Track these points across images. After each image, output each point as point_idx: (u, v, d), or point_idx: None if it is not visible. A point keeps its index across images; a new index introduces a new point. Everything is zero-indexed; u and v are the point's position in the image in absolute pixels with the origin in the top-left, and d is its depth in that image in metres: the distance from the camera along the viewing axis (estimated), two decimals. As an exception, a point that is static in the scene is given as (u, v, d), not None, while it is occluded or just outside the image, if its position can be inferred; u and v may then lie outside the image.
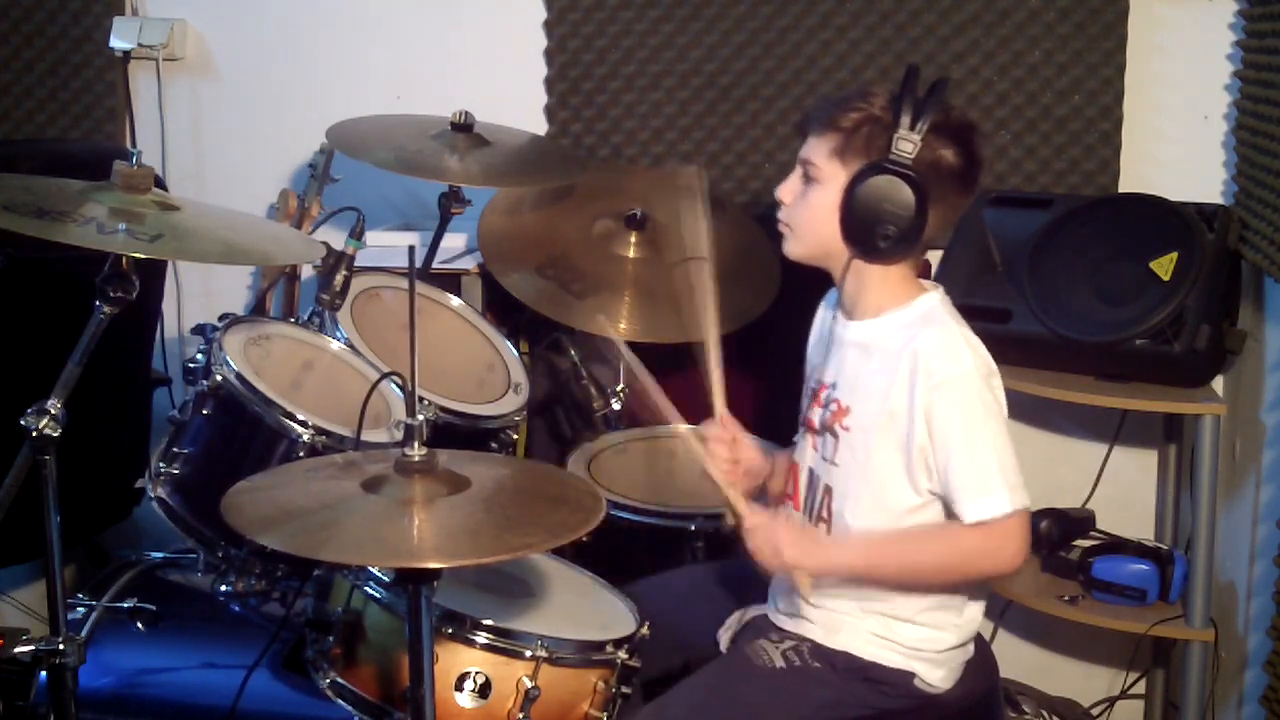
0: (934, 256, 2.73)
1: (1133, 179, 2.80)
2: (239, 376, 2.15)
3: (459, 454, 1.70)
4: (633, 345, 2.72)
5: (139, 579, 2.30)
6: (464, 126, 2.57)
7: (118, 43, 3.15)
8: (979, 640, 1.96)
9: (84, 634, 2.16)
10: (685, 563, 2.31)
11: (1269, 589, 2.30)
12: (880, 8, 2.85)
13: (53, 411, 1.78)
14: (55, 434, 1.78)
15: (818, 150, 1.85)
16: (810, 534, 1.90)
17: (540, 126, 3.04)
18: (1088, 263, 2.54)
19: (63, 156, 2.88)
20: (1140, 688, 2.88)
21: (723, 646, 2.01)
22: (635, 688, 1.94)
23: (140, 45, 3.14)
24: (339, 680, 1.87)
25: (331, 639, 1.88)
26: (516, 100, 3.01)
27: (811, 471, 1.95)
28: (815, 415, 1.95)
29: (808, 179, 1.87)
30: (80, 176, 1.88)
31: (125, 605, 2.19)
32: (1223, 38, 2.72)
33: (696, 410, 2.74)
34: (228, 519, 1.52)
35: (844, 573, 1.85)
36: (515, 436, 2.48)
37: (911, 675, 1.86)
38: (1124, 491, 2.88)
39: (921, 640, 1.86)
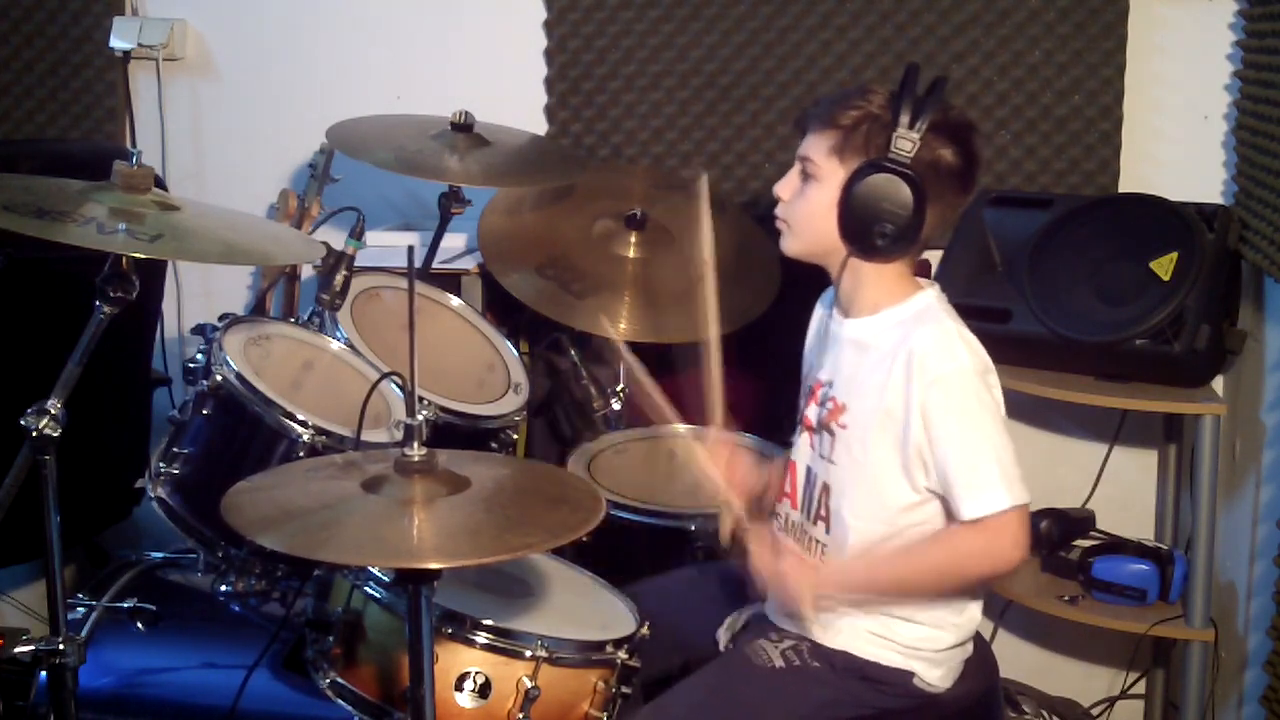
0: (934, 256, 2.74)
1: (1133, 179, 2.80)
2: (239, 376, 2.15)
3: (459, 454, 1.70)
4: (633, 345, 2.73)
5: (139, 579, 2.30)
6: (464, 126, 2.57)
7: (118, 43, 3.15)
8: (978, 639, 1.96)
9: (84, 634, 2.16)
10: (685, 563, 2.31)
11: (1269, 589, 2.30)
12: (880, 8, 2.85)
13: (53, 411, 1.78)
14: (55, 434, 1.78)
15: (816, 148, 1.85)
16: (810, 565, 1.89)
17: (540, 126, 3.04)
18: (1088, 263, 2.54)
19: (63, 156, 2.88)
20: (1140, 688, 2.88)
21: (722, 646, 2.01)
22: (635, 688, 1.94)
23: (140, 45, 3.14)
24: (339, 680, 1.87)
25: (331, 639, 1.88)
26: (516, 100, 3.01)
27: (809, 469, 1.95)
28: (812, 413, 1.95)
29: (806, 176, 1.88)
30: (80, 176, 1.88)
31: (125, 605, 2.19)
32: (1223, 38, 2.72)
33: (697, 410, 2.75)
34: (228, 519, 1.52)
35: (848, 595, 1.85)
36: (515, 436, 2.48)
37: (910, 674, 1.86)
38: (1124, 491, 2.88)
39: (920, 639, 1.86)
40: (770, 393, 2.55)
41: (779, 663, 1.86)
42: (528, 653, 1.82)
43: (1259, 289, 2.58)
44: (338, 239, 2.32)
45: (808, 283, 2.00)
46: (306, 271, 2.82)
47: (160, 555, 2.39)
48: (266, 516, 1.55)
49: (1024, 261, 2.59)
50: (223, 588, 2.22)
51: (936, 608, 1.86)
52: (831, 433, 1.89)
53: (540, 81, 3.05)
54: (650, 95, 3.00)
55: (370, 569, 1.87)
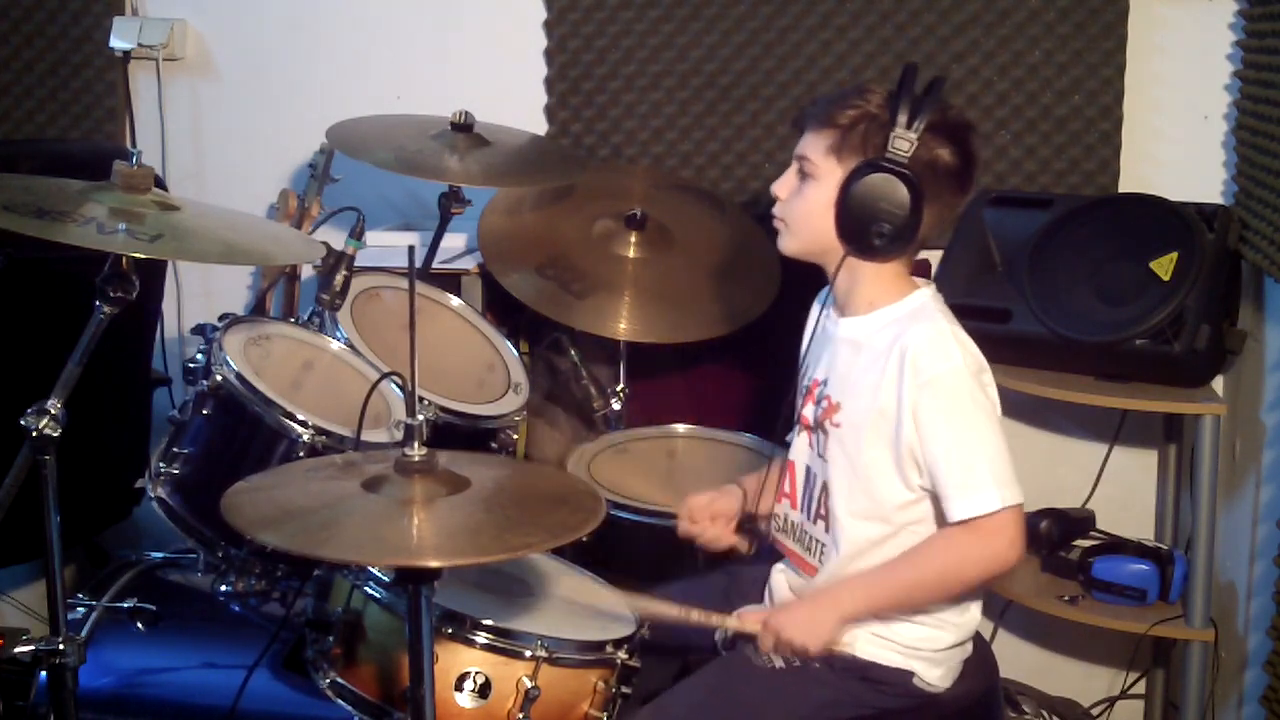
0: (934, 256, 2.74)
1: (1133, 179, 2.80)
2: (239, 376, 2.15)
3: (459, 454, 1.70)
4: (632, 345, 2.74)
5: (139, 579, 2.30)
6: (464, 126, 2.57)
7: (118, 43, 3.15)
8: (978, 639, 1.96)
9: (84, 634, 2.16)
10: (685, 563, 2.31)
11: (1269, 589, 2.30)
12: (880, 8, 2.85)
13: (53, 411, 1.77)
14: (55, 434, 1.77)
15: (814, 147, 1.86)
16: (805, 608, 1.88)
17: (540, 126, 3.04)
18: (1088, 263, 2.54)
19: (63, 156, 2.89)
20: (1140, 688, 2.88)
21: (721, 647, 2.01)
22: (635, 688, 1.94)
23: (140, 45, 3.14)
24: (339, 680, 1.87)
25: (331, 639, 1.88)
26: (516, 100, 3.01)
27: (808, 469, 1.95)
28: (809, 412, 1.95)
29: (803, 175, 1.88)
30: (80, 176, 1.88)
31: (125, 605, 2.19)
32: (1223, 38, 2.72)
33: (696, 410, 2.75)
34: (228, 519, 1.52)
35: (854, 619, 1.84)
36: (515, 436, 2.48)
37: (910, 674, 1.86)
38: (1124, 491, 2.88)
39: (920, 639, 1.86)
40: (770, 393, 2.55)
41: (779, 663, 1.86)
42: (528, 653, 1.82)
43: (1259, 289, 2.58)
44: (338, 239, 2.32)
45: (807, 282, 2.00)
46: (306, 271, 2.82)
47: (160, 555, 2.39)
48: (266, 516, 1.55)
49: (1024, 261, 2.59)
50: (223, 588, 2.22)
51: (936, 607, 1.86)
52: (826, 431, 1.90)
53: (540, 81, 3.05)
54: (650, 95, 3.00)
55: (370, 569, 1.87)
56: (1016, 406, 2.72)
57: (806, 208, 1.87)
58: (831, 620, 1.82)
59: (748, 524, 2.09)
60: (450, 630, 1.81)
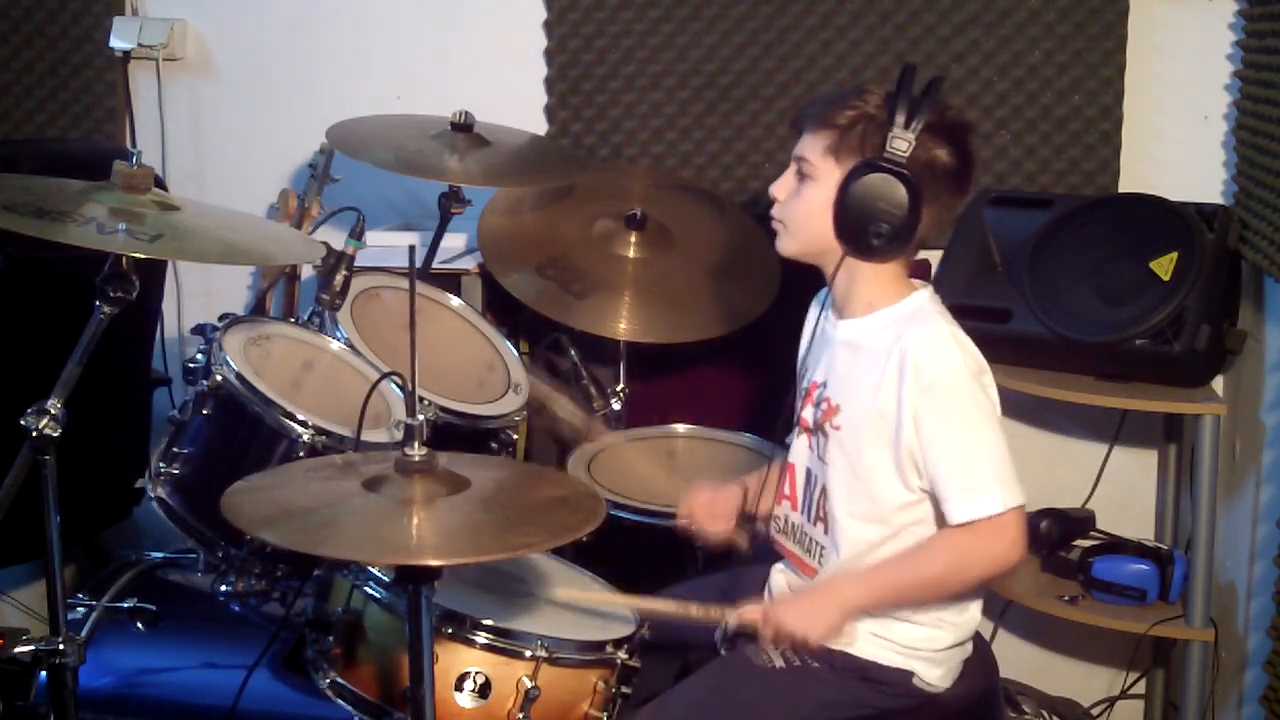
0: (934, 256, 2.74)
1: (1133, 179, 2.80)
2: (239, 376, 2.15)
3: (459, 454, 1.70)
4: (633, 345, 2.74)
5: (139, 579, 2.30)
6: (464, 126, 2.57)
7: (118, 43, 3.15)
8: (978, 639, 1.96)
9: (84, 634, 2.16)
10: (685, 563, 2.31)
11: (1269, 589, 2.30)
12: (880, 8, 2.85)
13: (53, 411, 1.77)
14: (55, 434, 1.77)
15: (812, 147, 1.86)
16: (806, 600, 1.88)
17: (540, 126, 3.04)
18: (1088, 263, 2.54)
19: (63, 156, 2.89)
20: (1140, 688, 2.88)
21: (721, 646, 2.01)
22: (635, 688, 1.94)
23: (140, 45, 3.14)
24: (339, 680, 1.87)
25: (331, 639, 1.88)
26: (516, 100, 3.01)
27: (808, 471, 1.95)
28: (808, 414, 1.95)
29: (802, 176, 1.88)
30: (80, 176, 1.88)
31: (125, 605, 2.19)
32: (1223, 38, 2.72)
33: (696, 410, 2.75)
34: (228, 518, 1.52)
35: (855, 613, 1.84)
36: (515, 436, 2.48)
37: (910, 674, 1.86)
38: (1124, 491, 2.88)
39: (920, 639, 1.86)
40: (770, 393, 2.55)
41: (779, 662, 1.86)
42: (528, 653, 1.82)
43: (1259, 289, 2.58)
44: (338, 239, 2.32)
45: (807, 283, 2.00)
46: (306, 271, 2.82)
47: (160, 555, 2.39)
48: (266, 516, 1.55)
49: (1024, 261, 2.59)
50: (223, 588, 2.22)
51: (936, 607, 1.86)
52: (826, 434, 1.89)
53: (540, 81, 3.05)
54: (650, 95, 3.00)
55: (370, 569, 1.87)
56: (1016, 406, 2.72)
57: (805, 209, 1.87)
58: (833, 613, 1.82)
59: (747, 522, 2.10)
60: (450, 630, 1.81)
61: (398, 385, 2.16)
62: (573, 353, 2.76)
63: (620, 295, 2.67)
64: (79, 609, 2.21)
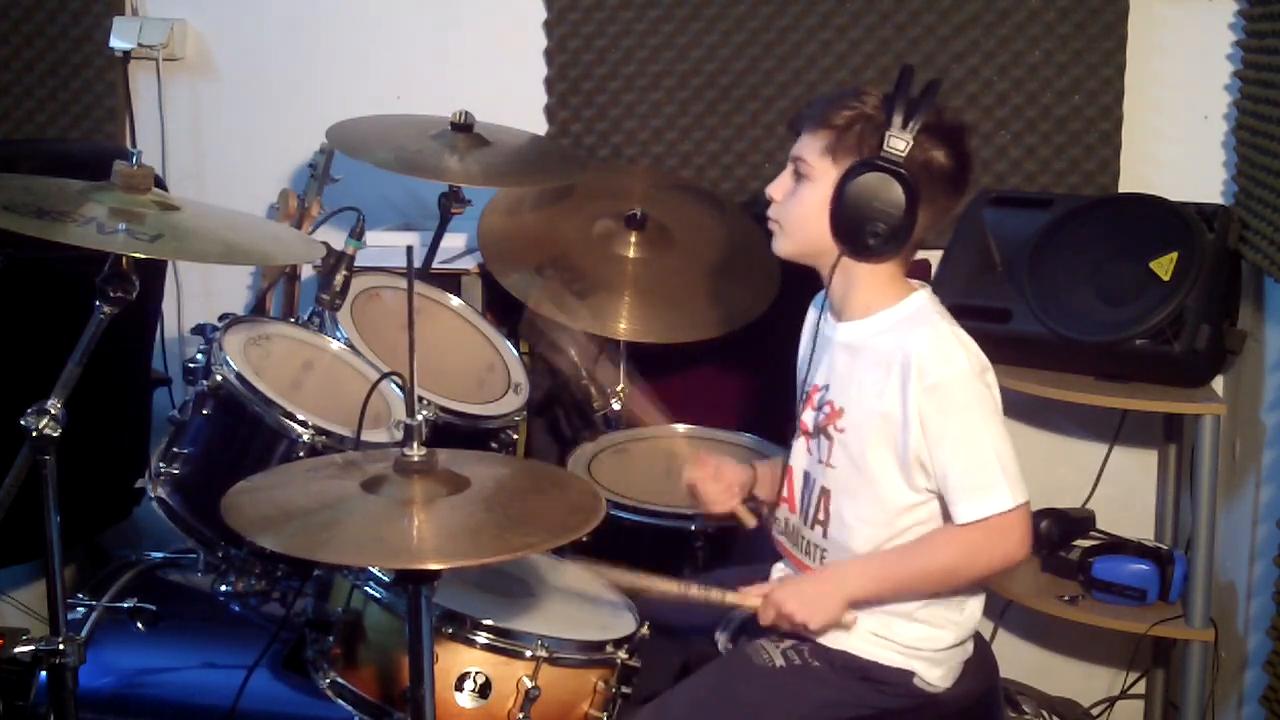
0: (934, 256, 2.74)
1: (1133, 179, 2.80)
2: (239, 376, 2.15)
3: (459, 454, 1.70)
4: (633, 345, 2.74)
5: (139, 579, 2.30)
6: (464, 126, 2.57)
7: (118, 43, 3.15)
8: (978, 639, 1.96)
9: (84, 634, 2.16)
10: (685, 563, 2.32)
11: (1269, 589, 2.30)
12: (880, 8, 2.85)
13: (53, 411, 1.77)
14: (55, 434, 1.77)
15: (809, 148, 1.86)
16: (809, 584, 1.89)
17: (540, 126, 3.04)
18: (1088, 263, 2.54)
19: (63, 156, 2.88)
20: (1140, 688, 2.88)
21: (721, 646, 2.01)
22: (635, 688, 1.94)
23: (140, 45, 3.14)
24: (339, 680, 1.87)
25: (331, 639, 1.88)
26: (516, 100, 3.01)
27: (807, 474, 1.95)
28: (809, 418, 1.95)
29: (799, 176, 1.88)
30: (80, 176, 1.88)
31: (125, 605, 2.19)
32: (1223, 38, 2.72)
33: (696, 410, 2.75)
34: (227, 519, 1.52)
35: (857, 601, 1.84)
36: (515, 436, 2.48)
37: (910, 674, 1.86)
38: (1124, 491, 2.88)
39: (920, 639, 1.86)
40: (770, 393, 2.55)
41: (779, 662, 1.86)
42: (528, 653, 1.82)
43: (1259, 289, 2.58)
44: (338, 239, 2.31)
45: (807, 283, 2.00)
46: (306, 271, 2.82)
47: (160, 555, 2.39)
48: (266, 516, 1.55)
49: (1024, 261, 2.59)
50: (223, 588, 2.22)
51: (936, 606, 1.86)
52: (829, 437, 1.89)
53: (540, 81, 3.05)
54: (650, 95, 3.00)
55: (370, 569, 1.87)
56: (1016, 406, 2.71)
57: (802, 209, 1.87)
58: (835, 598, 1.83)
59: (752, 502, 2.10)
60: (450, 630, 1.81)
61: (397, 385, 2.16)
62: (573, 353, 2.75)
63: (620, 295, 2.67)
64: (79, 609, 2.20)
